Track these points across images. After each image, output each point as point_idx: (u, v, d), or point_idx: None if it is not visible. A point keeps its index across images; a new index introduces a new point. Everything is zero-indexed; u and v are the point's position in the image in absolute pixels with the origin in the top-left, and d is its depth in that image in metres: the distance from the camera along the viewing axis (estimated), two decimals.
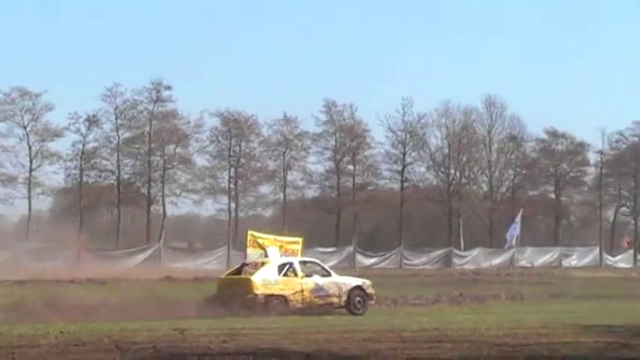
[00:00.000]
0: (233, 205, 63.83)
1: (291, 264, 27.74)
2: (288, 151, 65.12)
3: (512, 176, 72.57)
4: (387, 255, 62.03)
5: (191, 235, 75.75)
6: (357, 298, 27.51)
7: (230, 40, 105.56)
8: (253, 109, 64.04)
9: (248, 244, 33.87)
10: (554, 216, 73.30)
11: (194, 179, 63.49)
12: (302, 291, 26.96)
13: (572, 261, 68.24)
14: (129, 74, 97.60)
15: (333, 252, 60.18)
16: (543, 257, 66.86)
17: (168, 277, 43.24)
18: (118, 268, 48.17)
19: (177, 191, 63.18)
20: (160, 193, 62.26)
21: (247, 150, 64.51)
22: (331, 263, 57.50)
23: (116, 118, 60.90)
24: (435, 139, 69.65)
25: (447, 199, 68.59)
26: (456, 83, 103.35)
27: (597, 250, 70.06)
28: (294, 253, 34.77)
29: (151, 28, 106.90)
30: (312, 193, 68.97)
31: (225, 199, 64.20)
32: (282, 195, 65.91)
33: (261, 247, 33.74)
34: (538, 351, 15.58)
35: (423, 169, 69.95)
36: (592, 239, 74.12)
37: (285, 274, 27.15)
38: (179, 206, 65.09)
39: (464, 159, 69.94)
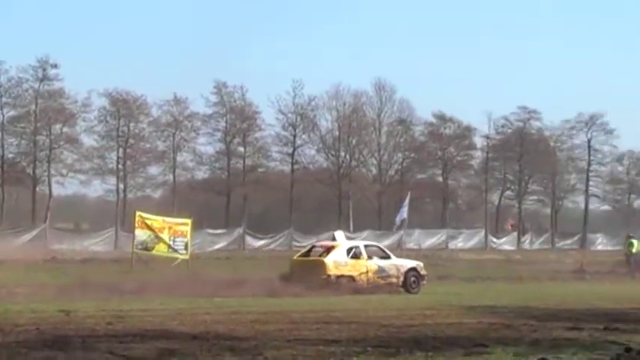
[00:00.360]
0: (121, 185, 63.13)
1: (357, 247, 30.00)
2: (178, 132, 64.61)
3: (401, 159, 73.15)
4: (277, 237, 61.91)
5: (78, 216, 74.44)
6: (412, 278, 29.76)
7: (120, 18, 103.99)
8: (142, 89, 63.37)
9: (136, 225, 33.60)
10: (442, 199, 74.19)
11: (81, 159, 62.54)
12: (367, 272, 29.01)
13: (459, 243, 69.15)
14: (14, 51, 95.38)
15: (222, 234, 59.93)
16: (431, 239, 67.55)
17: (54, 257, 42.57)
18: (1, 248, 47.05)
19: (64, 171, 62.17)
20: (46, 173, 61.22)
21: (136, 130, 63.81)
22: (220, 245, 57.61)
23: (0, 96, 59.62)
24: (326, 122, 69.95)
25: (336, 181, 68.92)
26: (347, 66, 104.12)
27: (483, 233, 71.18)
28: (183, 235, 34.62)
29: (37, 3, 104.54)
30: (201, 174, 68.73)
31: (113, 180, 63.47)
32: (171, 176, 65.44)
33: (149, 228, 33.49)
34: (423, 332, 15.80)
35: (313, 152, 70.24)
36: (478, 222, 75.30)
37: (353, 257, 29.07)
38: (66, 186, 64.16)
39: (354, 142, 70.32)
